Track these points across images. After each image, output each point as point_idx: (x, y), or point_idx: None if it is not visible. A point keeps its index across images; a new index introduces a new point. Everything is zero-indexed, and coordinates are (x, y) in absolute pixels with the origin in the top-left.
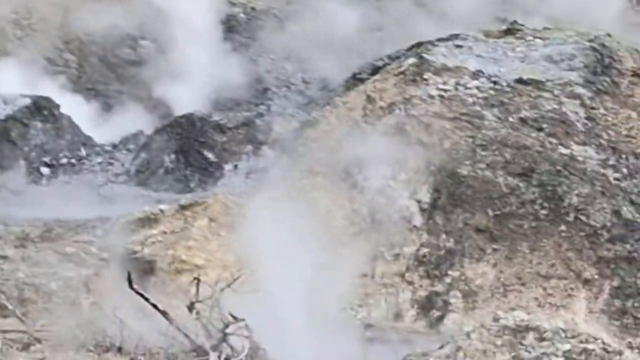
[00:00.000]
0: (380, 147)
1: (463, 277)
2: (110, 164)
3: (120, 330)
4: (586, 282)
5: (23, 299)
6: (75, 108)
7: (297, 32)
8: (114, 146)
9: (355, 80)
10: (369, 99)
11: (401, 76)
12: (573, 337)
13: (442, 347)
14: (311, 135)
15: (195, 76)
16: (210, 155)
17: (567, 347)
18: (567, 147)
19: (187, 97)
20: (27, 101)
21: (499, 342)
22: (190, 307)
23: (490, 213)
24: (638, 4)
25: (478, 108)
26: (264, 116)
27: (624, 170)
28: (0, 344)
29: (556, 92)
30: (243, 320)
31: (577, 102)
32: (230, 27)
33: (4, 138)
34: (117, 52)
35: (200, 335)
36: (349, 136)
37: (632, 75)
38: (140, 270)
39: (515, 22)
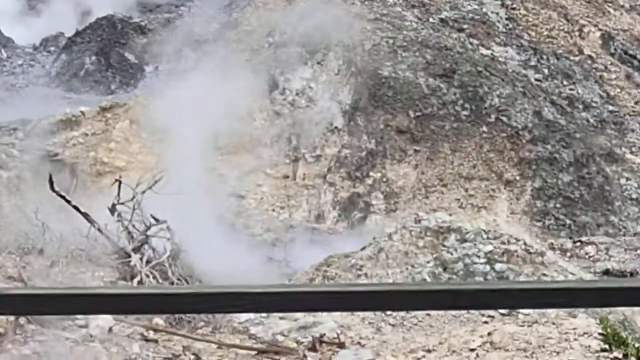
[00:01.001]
0: (300, 48)
1: (384, 179)
2: (31, 65)
3: (42, 233)
4: (508, 183)
5: None
6: None
7: None
8: (35, 48)
9: None
10: (290, 0)
11: None
12: (495, 238)
13: (363, 248)
14: (232, 37)
15: None
16: (130, 57)
17: (489, 248)
18: (488, 48)
19: None
20: None
21: (420, 244)
22: (112, 209)
23: (412, 114)
24: None
25: (399, 9)
26: (185, 18)
27: (545, 70)
28: None
29: None
30: (165, 222)
31: (498, 2)
32: None
33: None
34: None
35: (122, 238)
36: (270, 37)
37: None
38: (62, 172)
39: None
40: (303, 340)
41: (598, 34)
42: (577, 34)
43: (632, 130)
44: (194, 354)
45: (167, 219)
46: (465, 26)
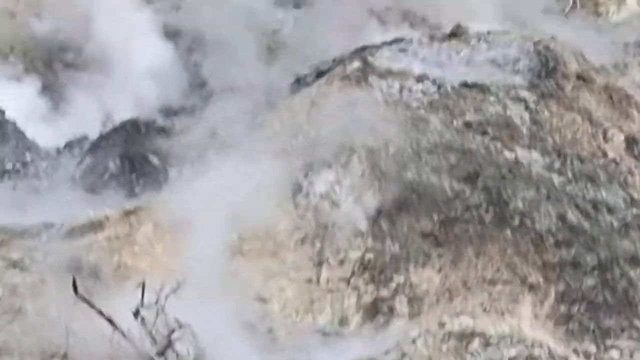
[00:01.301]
0: (325, 152)
1: (408, 282)
2: (55, 169)
3: (66, 337)
4: (531, 287)
5: None
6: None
7: (241, 37)
8: (59, 151)
9: (300, 84)
10: (313, 103)
11: (346, 80)
12: (519, 342)
13: (387, 352)
14: (256, 140)
15: (140, 81)
16: (155, 160)
17: (513, 352)
18: (511, 151)
19: (131, 102)
20: None
21: (444, 348)
22: (136, 313)
23: (436, 218)
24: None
25: (423, 112)
26: (209, 120)
27: (569, 174)
28: None
29: (501, 95)
30: (188, 326)
31: (522, 105)
32: (175, 31)
33: None
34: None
35: (146, 342)
36: (294, 140)
37: (577, 79)
38: (86, 276)
39: (459, 25)
40: None
41: (622, 137)
42: (601, 137)
43: None
44: None
45: (191, 323)
46: (489, 129)
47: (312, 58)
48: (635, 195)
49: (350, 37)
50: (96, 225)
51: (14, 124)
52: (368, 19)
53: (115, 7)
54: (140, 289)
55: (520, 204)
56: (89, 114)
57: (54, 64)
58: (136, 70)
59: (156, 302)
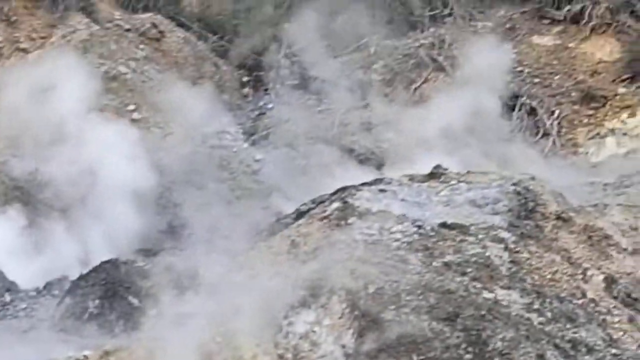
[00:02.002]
0: (305, 292)
1: None
2: (35, 309)
3: None
4: None
5: None
6: None
7: (221, 177)
8: (38, 292)
9: (280, 224)
10: (294, 243)
11: (325, 221)
12: None
13: None
14: (236, 281)
15: (120, 220)
16: (134, 301)
17: None
18: (491, 292)
19: (111, 242)
20: None
21: None
22: None
23: (415, 358)
24: None
25: (402, 252)
26: (189, 261)
27: (548, 314)
28: None
29: (480, 236)
30: None
31: (501, 246)
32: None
33: None
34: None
35: None
36: (274, 280)
37: (556, 219)
38: None
39: (439, 165)
40: None
41: (601, 277)
42: (580, 277)
43: None
44: None
45: None
46: (468, 269)
47: (291, 199)
48: (615, 335)
49: (329, 177)
50: None
51: None
52: (347, 159)
53: (94, 147)
54: None
55: (499, 344)
56: (68, 254)
57: (33, 205)
58: (117, 210)
59: None
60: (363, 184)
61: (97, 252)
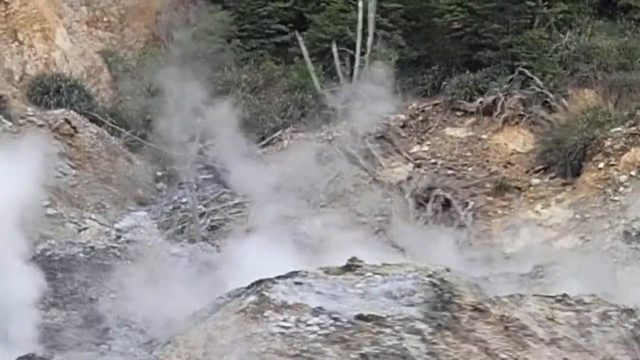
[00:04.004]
0: None
1: None
2: None
3: None
4: None
5: None
6: None
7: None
8: None
9: (196, 318)
10: (210, 336)
11: (242, 314)
12: None
13: None
14: None
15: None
16: None
17: None
18: None
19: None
20: None
21: None
22: None
23: None
24: None
25: (319, 345)
26: (106, 356)
27: None
28: None
29: (397, 327)
30: None
31: (418, 337)
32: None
33: None
34: None
35: None
36: None
37: (472, 310)
38: None
39: (354, 258)
40: None
41: None
42: None
43: None
44: None
45: None
46: None
47: (207, 292)
48: None
49: (246, 269)
50: None
51: None
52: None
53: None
54: None
55: None
56: None
57: None
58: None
59: None
60: (279, 277)
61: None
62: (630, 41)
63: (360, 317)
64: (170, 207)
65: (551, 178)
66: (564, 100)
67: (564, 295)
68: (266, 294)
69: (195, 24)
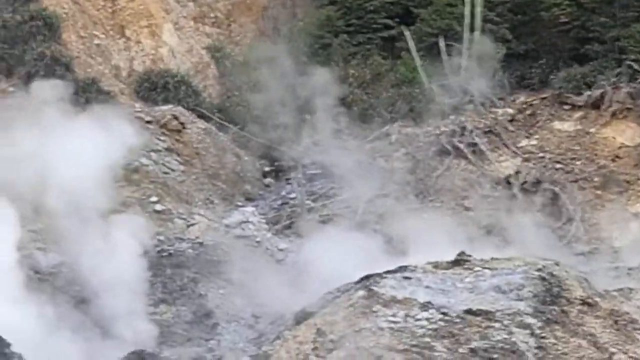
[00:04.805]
0: None
1: None
2: None
3: None
4: None
5: None
6: None
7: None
8: None
9: (305, 313)
10: (319, 332)
11: (350, 309)
12: None
13: None
14: None
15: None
16: None
17: None
18: None
19: (134, 334)
20: None
21: None
22: None
23: None
24: None
25: (428, 339)
26: (215, 351)
27: None
28: None
29: (506, 322)
30: None
31: (527, 331)
32: (179, 262)
33: None
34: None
35: None
36: None
37: (581, 304)
38: None
39: (463, 252)
40: None
41: None
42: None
43: None
44: None
45: None
46: (495, 355)
47: (316, 288)
48: None
49: (354, 265)
50: None
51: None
52: (372, 246)
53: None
54: None
55: None
56: (93, 347)
57: (58, 298)
58: (138, 303)
59: None
60: (387, 272)
61: (123, 345)
62: None
63: (469, 311)
64: (279, 202)
65: None
66: None
67: None
68: (375, 288)
69: (302, 19)
